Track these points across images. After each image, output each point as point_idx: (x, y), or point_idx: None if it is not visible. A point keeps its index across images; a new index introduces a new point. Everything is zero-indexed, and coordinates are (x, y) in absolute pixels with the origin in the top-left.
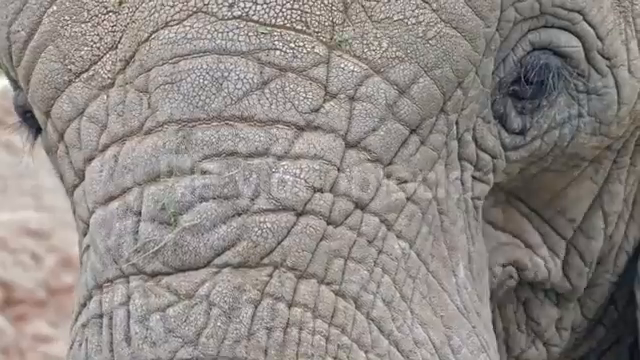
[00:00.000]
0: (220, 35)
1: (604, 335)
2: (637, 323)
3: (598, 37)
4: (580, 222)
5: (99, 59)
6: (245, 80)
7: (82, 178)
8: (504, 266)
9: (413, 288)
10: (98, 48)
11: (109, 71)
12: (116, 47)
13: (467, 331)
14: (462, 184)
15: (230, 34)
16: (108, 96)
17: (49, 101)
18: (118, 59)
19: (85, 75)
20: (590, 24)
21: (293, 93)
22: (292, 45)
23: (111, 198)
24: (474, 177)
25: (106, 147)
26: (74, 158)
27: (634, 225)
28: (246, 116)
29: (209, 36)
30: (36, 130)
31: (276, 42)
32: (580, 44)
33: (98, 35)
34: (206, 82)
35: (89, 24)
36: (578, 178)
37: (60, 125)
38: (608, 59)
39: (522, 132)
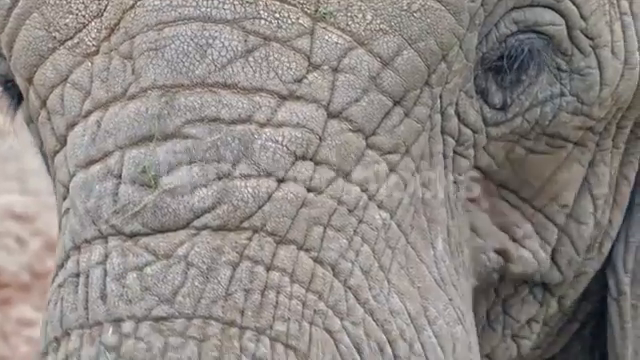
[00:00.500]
0: (205, 3)
1: (578, 330)
2: (607, 312)
3: (581, 16)
4: (571, 208)
5: (84, 27)
6: (229, 48)
7: (64, 144)
8: (496, 252)
9: (392, 258)
10: (83, 16)
11: (94, 39)
12: (101, 15)
13: (444, 303)
14: (444, 158)
15: (215, 2)
16: (92, 63)
17: (32, 68)
18: (103, 27)
19: (70, 43)
20: (574, 3)
21: (277, 62)
22: (277, 15)
23: (92, 162)
24: (455, 152)
25: (89, 113)
26: (56, 124)
27: (617, 209)
28: (229, 83)
29: (194, 4)
30: (17, 100)
31: (261, 11)
32: (563, 22)
33: (83, 3)
34: (190, 49)
35: None
36: (566, 161)
37: (43, 92)
38: (591, 39)
39: (503, 107)
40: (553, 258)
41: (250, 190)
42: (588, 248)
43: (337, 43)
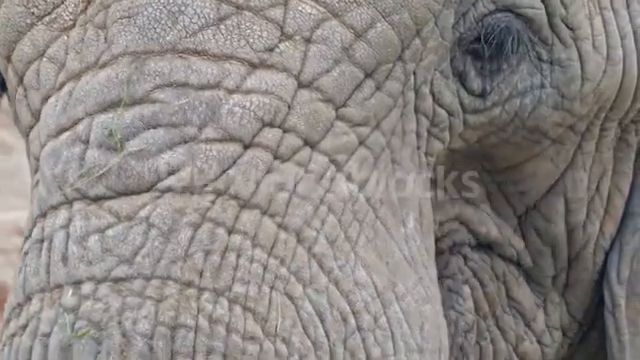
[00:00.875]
0: None
1: (597, 341)
2: (605, 323)
3: (562, 3)
4: (539, 204)
5: (62, 2)
6: (201, 15)
7: (38, 119)
8: (441, 224)
9: (359, 231)
10: None
11: (71, 12)
12: None
13: (413, 281)
14: (417, 137)
15: None
16: (68, 36)
17: (11, 44)
18: (80, 0)
19: (47, 18)
20: None
21: (249, 31)
22: None
23: (63, 130)
24: (430, 132)
25: (63, 84)
26: (31, 99)
27: (610, 221)
28: (200, 50)
29: None
30: (1, 85)
31: None
32: (543, 7)
33: None
34: (162, 15)
35: None
36: (538, 157)
37: (20, 68)
38: (572, 30)
39: (482, 95)
40: (525, 244)
41: (215, 153)
42: (577, 257)
43: (311, 14)
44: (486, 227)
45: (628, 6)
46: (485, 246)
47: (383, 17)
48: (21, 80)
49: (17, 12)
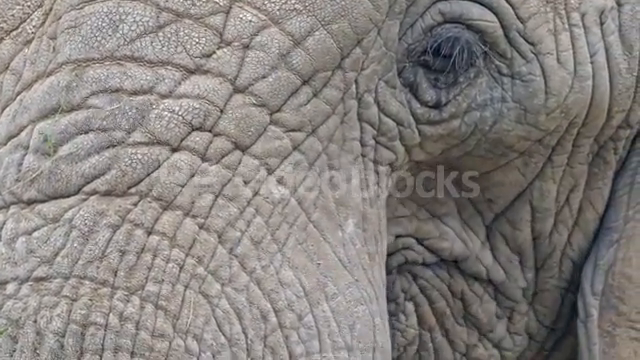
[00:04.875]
0: None
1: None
2: (578, 331)
3: (518, 17)
4: (506, 211)
5: (28, 17)
6: (140, 23)
7: None
8: (397, 237)
9: (288, 233)
10: (29, 7)
11: (34, 26)
12: (43, 4)
13: (347, 282)
14: (362, 145)
15: None
16: (28, 49)
17: None
18: (42, 14)
19: (14, 32)
20: (508, 1)
21: (187, 38)
22: None
23: (11, 137)
24: (377, 141)
25: (18, 94)
26: None
27: (579, 233)
28: (137, 56)
29: None
30: None
31: None
32: (497, 20)
33: None
34: (104, 24)
35: None
36: (504, 166)
37: None
38: (532, 44)
39: (437, 106)
40: (493, 254)
41: (140, 157)
42: (543, 266)
43: (251, 21)
44: (449, 242)
45: (602, 23)
46: (448, 263)
47: (322, 25)
48: None
49: None
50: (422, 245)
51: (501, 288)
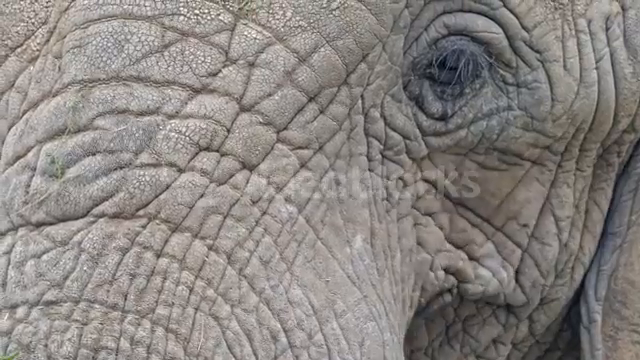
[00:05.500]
0: (128, 0)
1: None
2: (580, 340)
3: (523, 27)
4: (533, 228)
5: (32, 34)
6: (145, 42)
7: None
8: (446, 271)
9: (297, 252)
10: (33, 24)
11: (38, 43)
12: (48, 21)
13: (355, 298)
14: (369, 160)
15: None
16: (33, 67)
17: None
18: (46, 32)
19: (19, 49)
20: (512, 12)
21: (192, 57)
22: (196, 11)
23: (18, 157)
24: (384, 156)
25: (24, 113)
26: (1, 129)
27: (589, 236)
28: (143, 77)
29: (117, 1)
30: None
31: (181, 8)
32: (502, 31)
33: (34, 11)
34: (109, 44)
35: (27, 1)
36: (524, 179)
37: None
38: (538, 52)
39: (443, 118)
40: (517, 280)
41: (147, 179)
42: (558, 274)
43: (256, 39)
44: (484, 286)
45: (607, 29)
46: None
47: (327, 42)
48: None
49: None
50: (458, 287)
51: (515, 310)
